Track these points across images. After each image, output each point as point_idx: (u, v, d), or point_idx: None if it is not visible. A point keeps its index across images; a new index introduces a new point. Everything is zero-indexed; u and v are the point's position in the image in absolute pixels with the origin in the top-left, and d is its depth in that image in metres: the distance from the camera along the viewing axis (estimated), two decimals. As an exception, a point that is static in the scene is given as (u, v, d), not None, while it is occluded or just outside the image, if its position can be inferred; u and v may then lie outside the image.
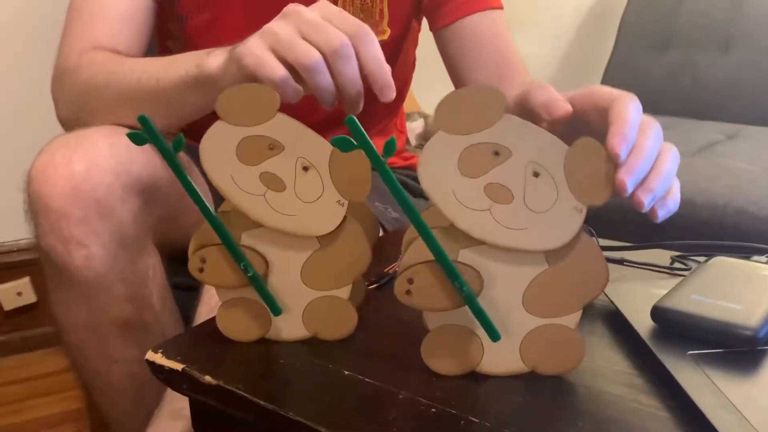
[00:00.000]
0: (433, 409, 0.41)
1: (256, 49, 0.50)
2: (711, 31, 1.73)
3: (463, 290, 0.42)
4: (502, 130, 0.40)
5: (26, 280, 1.41)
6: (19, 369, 1.38)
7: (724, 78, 1.68)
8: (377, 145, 0.38)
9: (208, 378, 0.45)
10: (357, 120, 0.38)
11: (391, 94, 0.48)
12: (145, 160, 0.65)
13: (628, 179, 0.39)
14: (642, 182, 0.41)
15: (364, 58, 0.48)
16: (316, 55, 0.48)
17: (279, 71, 0.49)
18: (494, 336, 0.43)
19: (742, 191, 1.11)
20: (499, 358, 0.45)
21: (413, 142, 1.47)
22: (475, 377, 0.45)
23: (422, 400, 0.42)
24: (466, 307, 0.43)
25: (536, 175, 0.40)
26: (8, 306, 1.43)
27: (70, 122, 0.70)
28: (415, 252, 0.43)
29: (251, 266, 0.47)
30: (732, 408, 0.38)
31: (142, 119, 0.42)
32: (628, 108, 0.42)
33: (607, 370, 0.45)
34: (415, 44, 0.92)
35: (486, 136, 0.40)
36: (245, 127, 0.44)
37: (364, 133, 0.38)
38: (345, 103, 0.50)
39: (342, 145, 0.39)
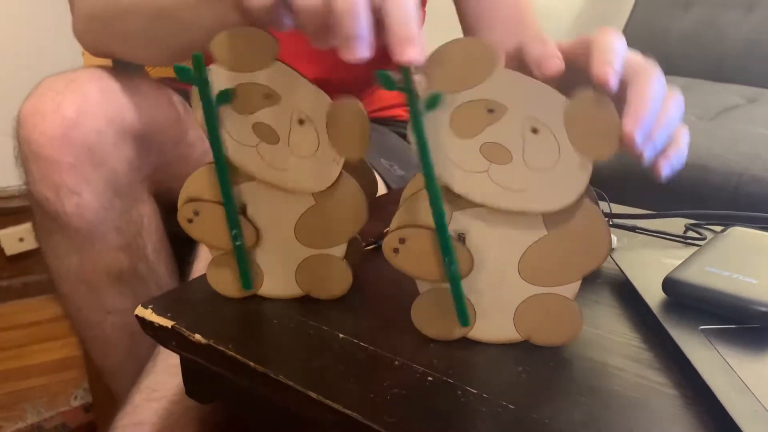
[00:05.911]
0: (430, 378, 0.39)
1: None
2: (736, -12, 1.66)
3: (450, 268, 0.40)
4: (495, 85, 0.37)
5: (28, 225, 1.39)
6: (20, 314, 1.38)
7: (748, 38, 1.61)
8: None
9: (197, 337, 0.44)
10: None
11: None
12: (139, 105, 0.62)
13: (635, 129, 0.35)
14: None
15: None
16: None
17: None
18: (464, 321, 0.41)
19: (760, 158, 1.07)
20: (492, 326, 0.43)
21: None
22: (473, 345, 0.43)
23: (418, 368, 0.40)
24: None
25: (535, 131, 0.37)
26: (10, 251, 1.43)
27: (83, 34, 0.64)
28: (410, 209, 0.40)
29: (241, 236, 0.45)
30: (743, 388, 0.36)
31: (197, 58, 0.40)
32: (610, 40, 0.38)
33: (613, 343, 0.43)
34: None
35: (478, 93, 0.37)
36: (240, 73, 0.41)
37: (411, 79, 0.35)
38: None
39: (386, 82, 0.36)
